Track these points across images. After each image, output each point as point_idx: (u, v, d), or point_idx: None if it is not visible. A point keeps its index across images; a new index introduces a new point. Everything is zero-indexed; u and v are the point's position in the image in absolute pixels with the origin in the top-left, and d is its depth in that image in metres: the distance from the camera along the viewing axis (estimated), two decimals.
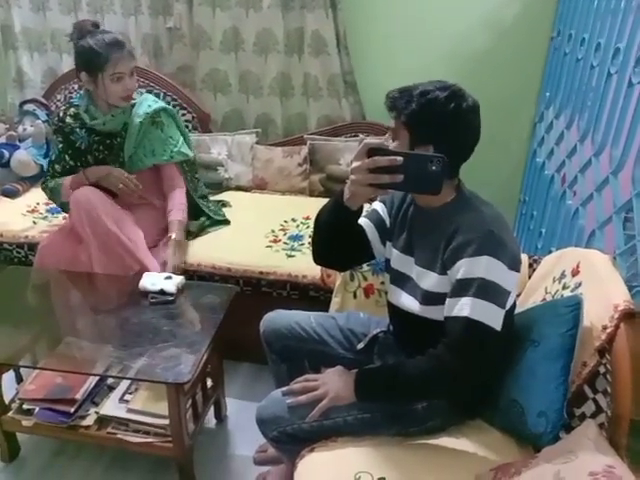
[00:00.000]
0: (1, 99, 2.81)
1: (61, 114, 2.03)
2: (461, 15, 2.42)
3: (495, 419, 1.33)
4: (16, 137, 2.48)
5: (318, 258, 1.45)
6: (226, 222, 2.25)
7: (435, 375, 1.20)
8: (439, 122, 1.16)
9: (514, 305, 1.30)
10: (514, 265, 1.19)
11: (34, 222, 2.26)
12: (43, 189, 2.10)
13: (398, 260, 1.36)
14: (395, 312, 1.40)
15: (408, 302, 1.33)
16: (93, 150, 2.02)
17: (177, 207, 2.01)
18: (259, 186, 2.59)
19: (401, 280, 1.35)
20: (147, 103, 2.02)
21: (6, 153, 2.41)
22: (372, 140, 1.17)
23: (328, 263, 1.54)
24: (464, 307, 1.15)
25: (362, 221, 1.41)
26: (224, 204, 2.41)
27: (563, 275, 1.43)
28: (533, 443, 1.25)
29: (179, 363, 1.49)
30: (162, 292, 1.73)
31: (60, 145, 2.04)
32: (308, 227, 2.24)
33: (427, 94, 1.16)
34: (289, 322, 1.54)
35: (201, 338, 1.60)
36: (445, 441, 1.30)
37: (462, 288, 1.16)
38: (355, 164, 1.16)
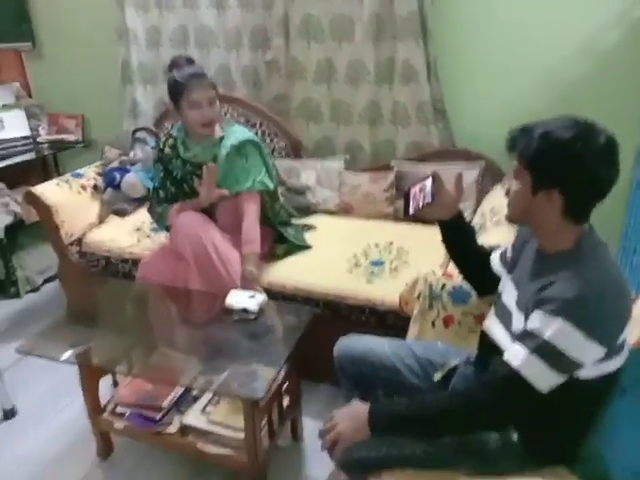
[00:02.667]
0: (117, 127, 3.10)
1: (161, 144, 2.22)
2: (557, 42, 2.34)
3: (576, 468, 1.25)
4: (127, 162, 2.73)
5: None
6: (308, 247, 2.31)
7: (455, 410, 1.18)
8: (563, 165, 1.10)
9: (610, 375, 1.16)
10: (601, 338, 1.07)
11: (138, 240, 2.46)
12: (150, 212, 2.28)
13: (508, 292, 1.33)
14: (486, 343, 1.36)
15: (502, 338, 1.29)
16: (187, 179, 2.17)
17: (247, 239, 2.05)
18: (345, 210, 2.64)
19: (503, 313, 1.32)
20: (235, 135, 2.12)
21: (118, 176, 2.66)
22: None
23: (472, 285, 1.59)
24: (517, 357, 1.13)
25: (494, 252, 1.49)
26: (309, 227, 2.48)
27: None
28: None
29: (255, 379, 1.55)
30: (245, 310, 1.81)
31: (161, 174, 2.21)
32: (390, 252, 2.25)
33: (549, 135, 1.10)
34: (363, 348, 1.55)
35: (278, 357, 1.65)
36: None
37: (526, 338, 1.13)
38: None
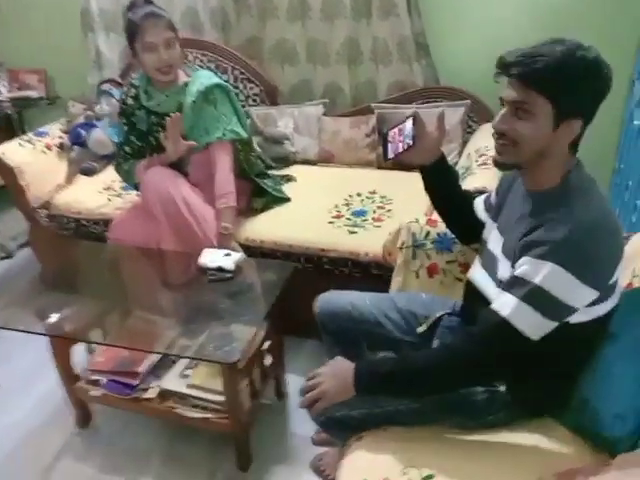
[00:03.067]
0: (83, 81, 2.91)
1: (123, 96, 2.07)
2: None
3: (565, 418, 1.19)
4: (93, 117, 2.57)
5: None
6: (287, 199, 2.19)
7: (449, 364, 1.10)
8: (591, 88, 0.99)
9: (601, 318, 1.09)
10: (592, 280, 1.00)
11: (109, 199, 2.34)
12: (117, 171, 2.15)
13: (494, 239, 1.24)
14: (472, 292, 1.29)
15: (488, 287, 1.21)
16: (153, 132, 2.02)
17: (220, 193, 1.93)
18: (326, 159, 2.51)
19: (488, 261, 1.24)
20: (200, 80, 1.96)
21: (83, 133, 2.50)
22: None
23: (455, 234, 1.52)
24: (506, 305, 1.04)
25: (477, 199, 1.40)
26: (289, 179, 2.36)
27: None
28: (608, 449, 1.10)
29: (232, 342, 1.48)
30: (221, 269, 1.72)
31: (125, 127, 2.06)
32: (373, 202, 2.15)
33: (573, 54, 0.97)
34: (344, 303, 1.48)
35: (256, 316, 1.58)
36: (506, 437, 1.19)
37: (514, 285, 1.04)
38: None
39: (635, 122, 2.08)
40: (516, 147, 1.05)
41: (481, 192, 1.54)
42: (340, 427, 1.28)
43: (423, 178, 1.40)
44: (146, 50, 1.87)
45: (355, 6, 2.38)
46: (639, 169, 1.92)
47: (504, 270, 1.14)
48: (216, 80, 2.00)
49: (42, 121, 2.91)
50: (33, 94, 3.09)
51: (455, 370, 1.10)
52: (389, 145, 1.29)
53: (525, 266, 1.02)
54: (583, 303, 1.03)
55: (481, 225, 1.35)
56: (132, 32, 1.88)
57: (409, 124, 1.30)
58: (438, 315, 1.38)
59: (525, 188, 1.15)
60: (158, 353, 1.63)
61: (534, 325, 1.02)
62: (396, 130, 1.29)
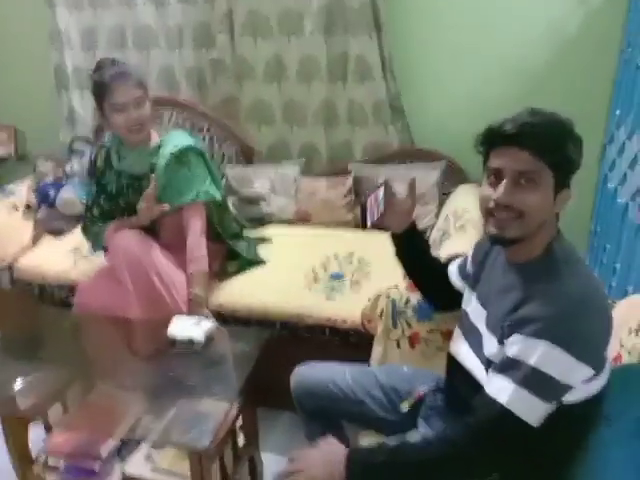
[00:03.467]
0: (53, 138, 2.86)
1: (93, 156, 2.01)
2: (516, 32, 2.23)
3: None
4: (63, 176, 2.50)
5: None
6: (262, 262, 2.13)
7: (443, 461, 1.01)
8: (578, 156, 1.01)
9: (595, 397, 1.04)
10: (586, 357, 0.96)
11: (75, 262, 2.24)
12: (84, 233, 2.06)
13: (475, 312, 1.19)
14: (454, 367, 1.23)
15: (472, 363, 1.16)
16: (123, 194, 1.96)
17: (192, 258, 1.87)
18: (303, 219, 2.46)
19: (470, 335, 1.18)
20: (173, 142, 1.91)
21: (52, 192, 2.43)
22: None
23: (430, 302, 1.47)
24: (503, 392, 0.98)
25: (451, 265, 1.37)
26: (264, 240, 2.30)
27: None
28: None
29: (201, 424, 1.37)
30: (190, 340, 1.62)
31: (94, 188, 2.00)
32: (351, 263, 2.09)
33: (564, 125, 1.00)
34: (322, 379, 1.40)
35: (228, 393, 1.48)
36: None
37: (509, 368, 0.98)
38: None
39: (609, 185, 2.10)
40: (522, 219, 1.01)
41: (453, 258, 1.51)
42: None
43: (394, 244, 1.38)
44: (115, 110, 1.82)
45: (331, 69, 2.41)
46: (617, 231, 1.92)
47: (490, 346, 1.08)
48: (190, 142, 1.96)
49: (11, 178, 2.83)
50: (1, 151, 3.02)
51: (455, 463, 1.02)
52: (367, 212, 1.29)
53: (517, 345, 0.97)
54: (578, 380, 0.98)
55: (456, 292, 1.32)
56: (100, 93, 1.83)
57: (381, 191, 1.29)
58: (422, 392, 1.31)
59: (506, 259, 1.12)
60: (119, 438, 1.51)
61: (534, 410, 0.96)
62: (372, 198, 1.30)
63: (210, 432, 1.33)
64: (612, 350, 1.28)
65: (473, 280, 1.24)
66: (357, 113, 2.43)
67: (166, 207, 1.86)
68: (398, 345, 1.57)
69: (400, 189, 1.32)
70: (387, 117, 2.39)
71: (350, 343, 1.85)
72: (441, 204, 2.28)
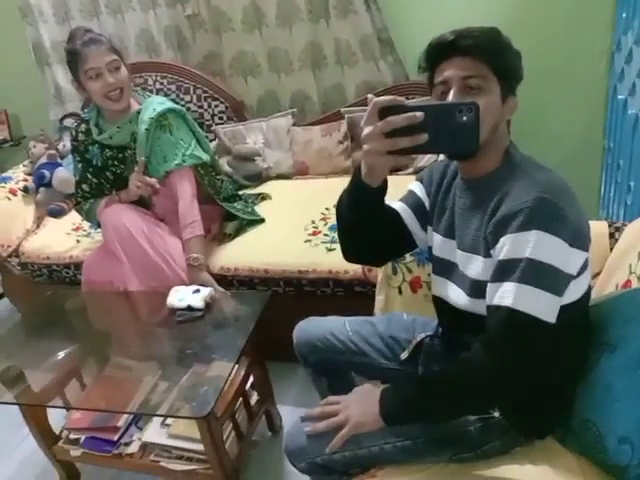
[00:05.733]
0: (44, 117, 2.82)
1: (73, 132, 1.96)
2: None
3: (568, 441, 1.08)
4: (56, 155, 2.48)
5: (347, 254, 1.23)
6: (261, 220, 2.08)
7: (471, 383, 0.96)
8: (518, 60, 0.99)
9: (588, 293, 1.03)
10: (578, 241, 0.93)
11: (77, 241, 2.24)
12: (77, 211, 2.05)
13: (441, 246, 1.14)
14: (442, 308, 1.18)
15: (455, 295, 1.11)
16: (109, 166, 1.92)
17: (185, 223, 1.83)
18: (301, 171, 2.40)
19: (445, 269, 1.13)
20: (152, 107, 1.85)
21: (47, 173, 2.40)
22: (383, 97, 0.92)
23: (360, 259, 1.30)
24: (506, 295, 0.91)
25: (397, 205, 1.21)
26: (264, 197, 2.25)
27: None
28: (616, 476, 0.98)
29: (202, 392, 1.37)
30: (190, 308, 1.61)
31: (79, 165, 1.96)
32: None
33: (493, 30, 0.98)
34: (322, 332, 1.37)
35: (229, 357, 1.46)
36: (506, 469, 1.07)
37: (505, 271, 0.92)
38: (366, 130, 0.93)
39: (619, 96, 1.95)
40: None
41: None
42: (324, 472, 1.16)
43: (359, 197, 1.07)
44: (90, 78, 1.77)
45: (311, 8, 2.27)
46: (628, 146, 1.79)
47: (474, 267, 1.03)
48: (169, 105, 1.90)
49: (10, 164, 2.83)
50: None
51: (483, 385, 0.96)
52: None
53: (508, 245, 0.92)
54: (576, 268, 0.95)
55: (401, 238, 1.20)
56: (74, 61, 1.78)
57: None
58: (418, 339, 1.27)
59: (463, 179, 1.06)
60: (127, 413, 1.52)
61: (543, 305, 0.90)
62: None
63: (211, 399, 1.32)
64: (621, 274, 1.22)
65: (428, 217, 1.17)
66: (345, 52, 2.31)
67: (156, 184, 1.82)
68: (400, 291, 1.53)
69: None
70: (376, 52, 2.26)
71: (355, 293, 1.81)
72: None
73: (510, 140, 1.03)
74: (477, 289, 1.03)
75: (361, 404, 1.07)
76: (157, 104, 1.87)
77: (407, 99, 2.26)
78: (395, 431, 1.09)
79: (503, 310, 0.91)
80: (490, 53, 0.95)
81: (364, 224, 1.10)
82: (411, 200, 1.21)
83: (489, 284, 0.97)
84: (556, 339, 0.93)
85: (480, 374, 0.95)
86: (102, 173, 1.94)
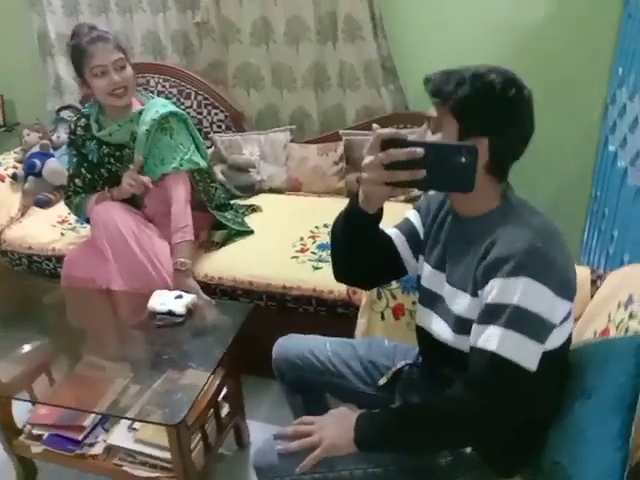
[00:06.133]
0: (40, 107, 2.80)
1: (72, 126, 1.96)
2: None
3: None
4: (49, 146, 2.46)
5: (338, 274, 1.24)
6: (250, 232, 2.08)
7: (452, 418, 0.98)
8: (497, 110, 0.96)
9: (569, 340, 1.05)
10: (564, 291, 0.96)
11: (62, 234, 2.21)
12: (67, 204, 2.04)
13: (429, 277, 1.15)
14: (424, 339, 1.19)
15: (439, 328, 1.12)
16: (105, 163, 1.92)
17: (177, 227, 1.83)
18: (294, 187, 2.41)
19: (432, 301, 1.14)
20: (155, 109, 1.86)
21: (38, 162, 2.38)
22: (386, 130, 0.95)
23: (350, 280, 1.33)
24: (491, 338, 0.93)
25: (391, 231, 1.23)
26: (254, 209, 2.25)
27: (631, 300, 1.15)
28: None
29: (176, 399, 1.36)
30: (171, 313, 1.60)
31: (75, 159, 1.95)
32: None
33: (482, 77, 0.96)
34: (302, 351, 1.37)
35: (206, 367, 1.46)
36: None
37: (491, 315, 0.94)
38: (367, 159, 0.97)
39: (610, 148, 2.01)
40: None
41: None
42: None
43: (353, 221, 1.09)
44: (96, 75, 1.77)
45: (320, 29, 2.31)
46: (615, 197, 1.84)
47: (460, 303, 1.05)
48: (172, 108, 1.91)
49: (0, 150, 2.79)
50: None
51: (460, 422, 0.98)
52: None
53: (496, 289, 0.94)
54: (560, 317, 0.97)
55: (392, 264, 1.22)
56: (79, 58, 1.79)
57: None
58: (398, 367, 1.28)
59: (458, 214, 1.08)
60: (97, 413, 1.50)
61: (526, 352, 0.93)
62: None
63: (185, 406, 1.31)
64: (600, 321, 1.24)
65: (421, 246, 1.18)
66: (348, 75, 2.34)
67: (148, 181, 1.82)
68: (382, 317, 1.54)
69: None
70: (379, 79, 2.30)
71: (337, 314, 1.82)
72: None
73: (507, 182, 1.05)
74: (461, 325, 1.05)
75: (336, 427, 1.07)
76: (160, 106, 1.88)
77: (405, 128, 2.29)
78: (367, 457, 1.09)
79: (487, 354, 0.94)
80: (448, 98, 0.96)
81: (357, 247, 1.12)
82: (405, 228, 1.23)
83: (475, 325, 0.99)
84: (536, 384, 0.95)
85: (461, 410, 0.97)
86: (97, 169, 1.93)
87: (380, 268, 1.22)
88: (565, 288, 0.96)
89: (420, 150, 0.92)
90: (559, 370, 1.06)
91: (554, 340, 0.99)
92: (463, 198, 1.03)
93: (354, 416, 1.07)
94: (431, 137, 1.01)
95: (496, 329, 0.93)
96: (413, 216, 1.23)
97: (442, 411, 0.99)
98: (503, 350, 0.92)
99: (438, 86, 0.98)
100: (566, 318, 1.00)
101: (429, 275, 1.15)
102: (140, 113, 1.87)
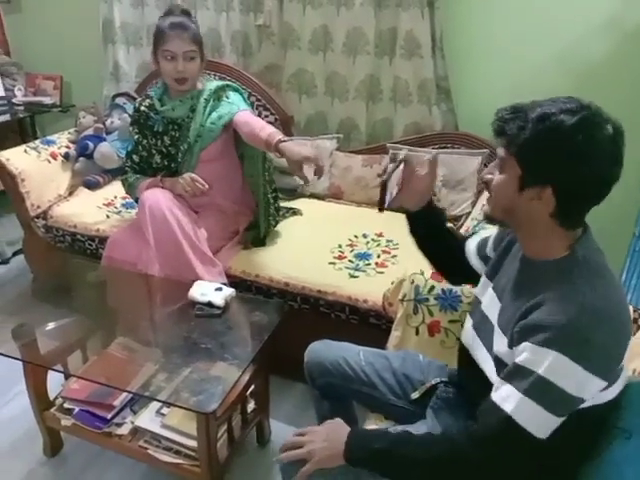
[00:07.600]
0: (97, 91, 2.88)
1: (137, 104, 2.06)
2: (577, 17, 2.10)
3: None
4: (103, 130, 2.52)
5: (433, 269, 1.40)
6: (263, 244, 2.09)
7: (447, 460, 0.98)
8: (563, 156, 0.90)
9: (609, 403, 0.99)
10: (601, 370, 0.91)
11: (107, 216, 2.27)
12: (122, 182, 2.11)
13: (490, 301, 1.14)
14: (466, 360, 1.18)
15: (482, 356, 1.11)
16: (169, 131, 2.00)
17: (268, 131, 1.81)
18: (335, 195, 2.44)
19: (483, 326, 1.13)
20: (213, 85, 2.00)
21: (91, 145, 2.45)
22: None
23: (444, 274, 1.40)
24: (509, 400, 0.93)
25: (470, 241, 1.32)
26: (295, 212, 2.28)
27: None
28: None
29: (211, 388, 1.38)
30: (210, 304, 1.63)
31: (136, 136, 2.04)
32: (378, 245, 2.06)
33: (548, 118, 0.90)
34: (335, 357, 1.39)
35: (241, 360, 1.48)
36: None
37: (516, 375, 0.94)
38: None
39: None
40: (491, 198, 1.04)
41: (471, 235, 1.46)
42: None
43: (409, 222, 1.30)
44: (165, 58, 1.88)
45: (379, 43, 2.34)
46: None
47: (500, 344, 1.04)
48: (229, 83, 2.05)
49: (54, 128, 2.89)
50: (47, 100, 3.06)
51: (453, 466, 0.98)
52: (387, 194, 1.22)
53: (526, 353, 0.92)
54: (591, 393, 0.93)
55: (470, 269, 1.28)
56: (157, 37, 1.91)
57: (399, 169, 1.23)
58: (433, 382, 1.28)
59: (523, 254, 1.07)
60: (130, 392, 1.53)
61: (539, 422, 0.91)
62: (393, 177, 1.22)
63: (219, 396, 1.33)
64: (634, 362, 1.23)
65: (491, 269, 1.18)
66: (401, 91, 2.36)
67: (205, 187, 1.88)
68: (417, 332, 1.54)
69: (421, 166, 1.24)
70: (432, 97, 2.31)
71: (368, 324, 1.83)
72: (479, 193, 2.20)
73: (586, 228, 1.00)
74: (498, 365, 1.04)
75: (327, 440, 1.06)
76: (217, 82, 2.03)
77: (453, 148, 2.30)
78: (353, 473, 1.06)
79: (502, 413, 0.93)
80: (512, 145, 0.94)
81: (423, 239, 1.31)
82: (481, 244, 1.28)
83: (500, 376, 0.98)
84: (545, 451, 0.93)
85: (458, 457, 0.97)
86: (160, 138, 2.00)
87: (457, 264, 1.31)
88: (602, 367, 0.91)
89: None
90: (593, 424, 1.01)
91: (593, 400, 0.95)
92: (527, 238, 1.03)
93: (345, 431, 1.06)
94: (496, 176, 1.00)
95: (516, 392, 0.92)
96: (491, 239, 1.26)
97: (440, 450, 0.99)
98: (518, 416, 0.91)
99: (502, 126, 0.95)
100: (607, 387, 0.94)
101: (490, 299, 1.14)
102: (200, 92, 1.97)
